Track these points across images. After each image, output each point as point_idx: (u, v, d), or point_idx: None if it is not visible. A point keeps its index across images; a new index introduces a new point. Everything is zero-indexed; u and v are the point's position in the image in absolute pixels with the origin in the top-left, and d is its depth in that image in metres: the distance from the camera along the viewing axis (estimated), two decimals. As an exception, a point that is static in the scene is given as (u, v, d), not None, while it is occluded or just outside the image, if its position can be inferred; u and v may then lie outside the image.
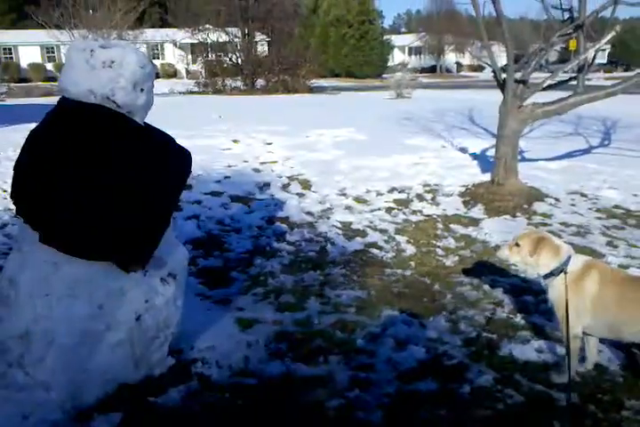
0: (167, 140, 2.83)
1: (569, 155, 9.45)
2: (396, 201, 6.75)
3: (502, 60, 7.09)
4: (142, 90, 2.71)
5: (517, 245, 3.21)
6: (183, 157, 2.85)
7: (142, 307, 2.80)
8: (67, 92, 2.65)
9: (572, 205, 6.49)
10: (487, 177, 7.06)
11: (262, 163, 9.09)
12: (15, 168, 2.65)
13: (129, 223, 2.63)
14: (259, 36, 32.98)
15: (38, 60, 41.42)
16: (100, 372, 2.75)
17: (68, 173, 2.52)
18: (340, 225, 5.82)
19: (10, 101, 23.40)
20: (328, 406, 2.86)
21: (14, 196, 2.64)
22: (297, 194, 7.09)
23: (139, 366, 2.91)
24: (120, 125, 2.63)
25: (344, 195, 7.04)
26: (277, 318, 3.76)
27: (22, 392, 2.70)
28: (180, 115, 15.67)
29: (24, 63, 40.47)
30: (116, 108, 2.61)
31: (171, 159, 2.78)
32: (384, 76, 40.84)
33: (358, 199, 6.84)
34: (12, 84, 32.35)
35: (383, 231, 5.64)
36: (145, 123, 2.83)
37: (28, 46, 40.31)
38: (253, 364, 3.22)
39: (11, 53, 41.72)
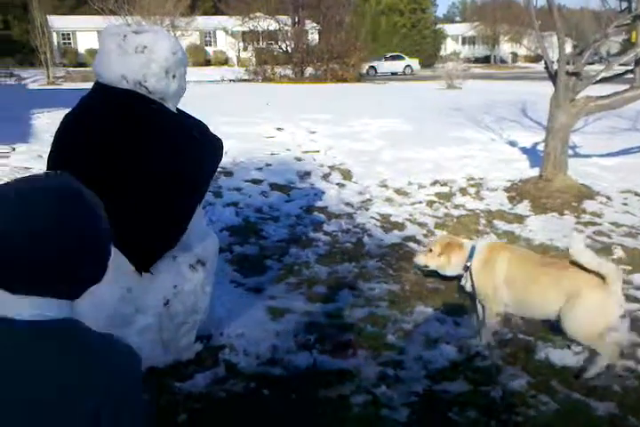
0: (199, 128, 2.80)
1: (625, 151, 9.02)
2: (437, 194, 6.59)
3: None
4: (174, 76, 2.67)
5: (431, 250, 3.52)
6: (214, 145, 2.82)
7: (170, 292, 2.80)
8: (100, 77, 2.64)
9: (625, 204, 6.18)
10: (536, 172, 6.81)
11: (305, 151, 9.05)
12: (50, 153, 2.68)
13: (156, 211, 2.62)
14: (309, 24, 32.84)
15: (95, 45, 42.45)
16: (128, 355, 2.77)
17: (97, 159, 2.52)
18: (378, 217, 5.73)
19: (66, 85, 24.11)
20: (353, 401, 2.81)
21: None
22: (337, 184, 7.02)
23: (167, 350, 2.93)
24: (151, 112, 2.61)
25: (385, 186, 6.93)
26: (308, 309, 3.73)
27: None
28: (229, 102, 15.81)
29: (82, 48, 41.55)
30: (147, 94, 2.59)
31: (202, 147, 2.76)
32: (435, 65, 40.08)
33: (399, 191, 6.72)
34: (70, 69, 33.41)
35: (422, 225, 5.51)
36: (178, 109, 2.81)
37: (85, 32, 41.31)
38: (281, 354, 3.20)
39: (69, 39, 42.98)
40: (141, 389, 1.08)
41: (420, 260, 3.63)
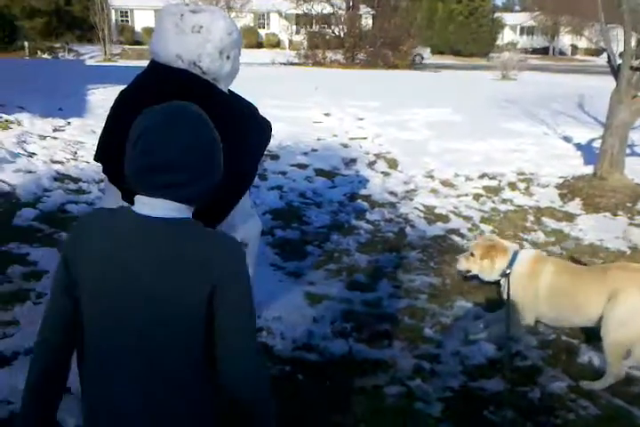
0: (249, 110, 2.79)
1: (687, 152, 8.59)
2: (485, 188, 6.45)
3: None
4: (228, 57, 2.64)
5: (472, 255, 3.34)
6: (264, 127, 2.80)
7: (213, 272, 2.82)
8: (156, 56, 2.64)
9: (683, 207, 5.91)
10: (590, 170, 6.58)
11: (351, 138, 8.98)
12: (103, 130, 2.71)
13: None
14: (363, 9, 32.39)
15: (152, 24, 42.95)
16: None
17: None
18: (422, 208, 5.65)
19: (122, 62, 24.59)
20: (387, 392, 2.79)
21: (99, 156, 2.70)
22: (382, 172, 6.95)
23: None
24: (204, 93, 2.60)
25: (431, 177, 6.82)
26: (346, 297, 3.72)
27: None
28: (278, 85, 15.80)
29: (138, 27, 42.13)
30: (201, 75, 2.58)
31: (251, 129, 2.74)
32: (491, 55, 38.99)
33: (445, 183, 6.60)
34: (127, 46, 34.03)
35: (467, 218, 5.41)
36: (230, 90, 2.79)
37: (142, 10, 41.83)
38: (317, 339, 3.20)
39: (127, 17, 43.60)
40: (247, 275, 1.28)
41: (462, 265, 3.43)
